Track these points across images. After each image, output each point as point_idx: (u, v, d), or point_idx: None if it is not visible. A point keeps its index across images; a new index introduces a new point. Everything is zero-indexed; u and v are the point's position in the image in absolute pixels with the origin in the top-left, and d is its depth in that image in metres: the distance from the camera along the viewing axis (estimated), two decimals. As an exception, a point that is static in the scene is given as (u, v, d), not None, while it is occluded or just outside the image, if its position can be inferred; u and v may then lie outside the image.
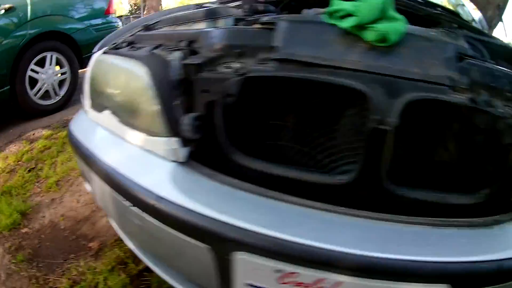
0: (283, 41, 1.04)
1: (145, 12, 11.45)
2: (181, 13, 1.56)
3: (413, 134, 1.06)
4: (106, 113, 1.23)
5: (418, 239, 0.88)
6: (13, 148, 2.86)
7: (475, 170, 1.04)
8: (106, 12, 4.31)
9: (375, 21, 1.00)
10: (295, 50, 1.02)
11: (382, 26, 0.99)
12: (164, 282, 1.30)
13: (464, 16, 2.27)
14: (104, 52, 1.30)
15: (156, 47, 1.13)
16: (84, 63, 3.60)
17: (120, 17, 9.92)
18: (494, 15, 2.12)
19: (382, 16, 1.03)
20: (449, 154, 1.10)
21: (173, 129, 1.04)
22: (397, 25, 1.02)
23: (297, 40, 1.05)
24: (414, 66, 0.96)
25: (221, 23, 1.35)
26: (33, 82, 3.35)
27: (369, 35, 1.00)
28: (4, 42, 3.04)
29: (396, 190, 0.97)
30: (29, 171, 2.52)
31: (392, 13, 1.05)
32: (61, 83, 3.65)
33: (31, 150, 2.78)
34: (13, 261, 1.73)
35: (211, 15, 1.39)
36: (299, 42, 1.04)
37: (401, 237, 0.88)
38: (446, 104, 0.93)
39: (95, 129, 1.29)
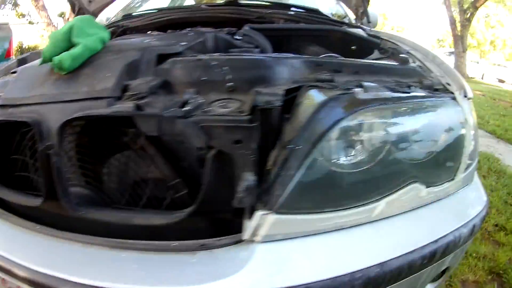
0: (9, 87, 1.07)
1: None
2: None
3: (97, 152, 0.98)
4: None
5: (92, 260, 0.81)
6: None
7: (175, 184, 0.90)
8: (6, 55, 4.45)
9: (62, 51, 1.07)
10: (11, 95, 1.03)
11: (57, 57, 1.01)
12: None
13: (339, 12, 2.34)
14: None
15: None
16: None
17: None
18: (359, 3, 2.05)
19: (68, 45, 1.13)
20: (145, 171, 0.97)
21: None
22: (73, 51, 1.04)
23: (18, 85, 1.07)
24: (85, 85, 0.95)
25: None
26: None
27: (54, 67, 1.02)
28: None
29: (77, 210, 0.88)
30: None
31: (77, 39, 1.08)
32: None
33: None
34: None
35: None
36: (19, 86, 1.06)
37: (75, 257, 0.83)
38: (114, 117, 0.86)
39: None
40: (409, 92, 1.01)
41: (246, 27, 1.44)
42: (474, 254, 2.33)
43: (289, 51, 1.28)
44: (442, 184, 1.04)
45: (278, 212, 0.77)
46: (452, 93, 1.11)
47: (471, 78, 18.96)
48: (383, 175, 0.90)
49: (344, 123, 0.81)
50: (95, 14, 2.04)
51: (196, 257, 0.77)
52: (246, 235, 0.77)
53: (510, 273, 2.19)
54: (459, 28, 18.00)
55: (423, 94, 1.05)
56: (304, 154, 0.79)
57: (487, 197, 1.25)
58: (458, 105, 1.06)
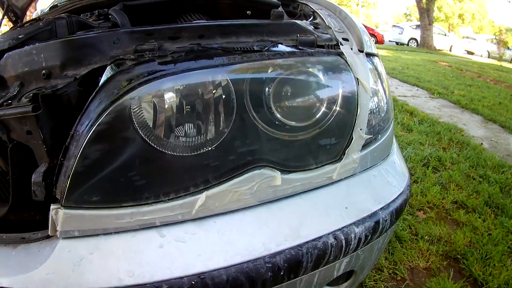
0: None
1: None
2: None
3: None
4: None
5: None
6: None
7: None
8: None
9: None
10: None
11: None
12: None
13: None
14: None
15: None
16: None
17: None
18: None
19: None
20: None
21: None
22: None
23: None
24: None
25: None
26: None
27: None
28: None
29: None
30: None
31: None
32: None
33: None
34: None
35: None
36: None
37: None
38: None
39: None
40: (262, 51, 0.79)
41: (116, 6, 1.28)
42: (426, 237, 2.05)
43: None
44: (317, 168, 0.83)
45: (66, 206, 0.68)
46: (338, 49, 0.88)
47: (439, 50, 19.16)
48: (201, 159, 0.72)
49: (129, 99, 0.67)
50: (23, 9, 1.99)
51: (16, 250, 0.72)
52: (49, 230, 0.70)
53: (470, 258, 1.90)
54: (424, 0, 18.01)
55: (284, 51, 0.80)
56: (83, 140, 0.66)
57: (408, 180, 1.02)
58: (346, 64, 0.85)
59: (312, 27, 0.98)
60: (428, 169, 2.90)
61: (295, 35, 0.90)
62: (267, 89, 0.75)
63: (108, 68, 0.76)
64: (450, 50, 21.19)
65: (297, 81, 0.79)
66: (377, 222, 0.85)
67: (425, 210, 2.35)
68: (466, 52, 21.99)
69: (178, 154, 0.69)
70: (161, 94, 0.67)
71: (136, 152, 0.67)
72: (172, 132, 0.69)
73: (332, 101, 0.82)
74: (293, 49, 0.82)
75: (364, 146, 0.89)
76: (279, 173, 0.77)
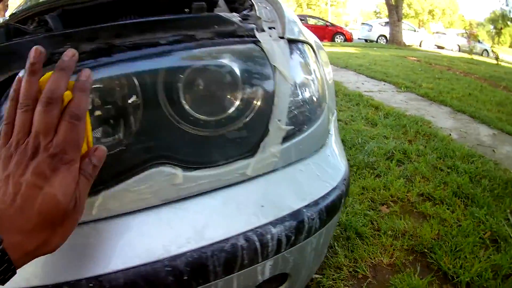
0: None
1: None
2: None
3: None
4: None
5: None
6: None
7: None
8: None
9: None
10: None
11: None
12: None
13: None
14: None
15: None
16: None
17: None
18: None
19: None
20: None
21: None
22: None
23: None
24: None
25: None
26: None
27: None
28: None
29: None
30: None
31: None
32: None
33: None
34: None
35: None
36: None
37: None
38: None
39: None
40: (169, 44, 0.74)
41: (54, 12, 1.25)
42: (389, 232, 1.98)
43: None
44: (226, 164, 0.75)
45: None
46: (254, 37, 0.80)
47: (409, 45, 19.42)
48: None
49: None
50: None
51: None
52: None
53: (438, 251, 1.83)
54: (393, -2, 18.32)
55: (192, 44, 0.75)
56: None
57: (344, 174, 0.94)
58: (261, 51, 0.78)
59: (240, 18, 0.91)
60: (392, 163, 2.85)
61: (214, 27, 0.83)
62: (174, 83, 0.69)
63: (20, 73, 0.68)
64: (420, 46, 21.50)
65: (207, 73, 0.73)
66: (301, 222, 0.77)
67: (388, 204, 2.28)
68: (436, 47, 22.32)
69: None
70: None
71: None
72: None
73: (245, 91, 0.75)
74: (204, 41, 0.76)
75: (287, 139, 0.81)
76: (180, 170, 0.70)
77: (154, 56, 0.71)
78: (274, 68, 0.78)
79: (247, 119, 0.76)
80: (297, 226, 0.77)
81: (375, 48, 14.78)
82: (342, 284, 1.63)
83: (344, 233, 1.96)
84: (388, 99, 5.26)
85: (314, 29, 19.23)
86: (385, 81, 6.60)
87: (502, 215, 2.26)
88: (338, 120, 3.50)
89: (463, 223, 2.12)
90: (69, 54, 0.51)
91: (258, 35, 0.80)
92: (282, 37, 0.84)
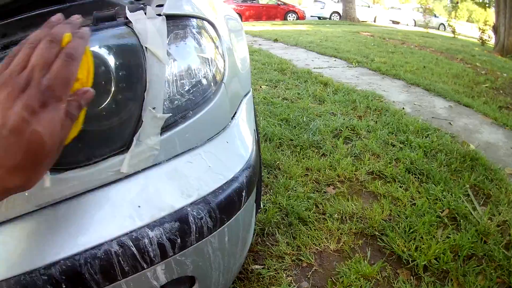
0: None
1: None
2: None
3: None
4: None
5: None
6: None
7: None
8: None
9: None
10: None
11: None
12: None
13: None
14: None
15: None
16: None
17: None
18: None
19: None
20: None
21: None
22: None
23: None
24: None
25: None
26: None
27: None
28: None
29: None
30: None
31: None
32: None
33: None
34: None
35: None
36: None
37: None
38: None
39: None
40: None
41: None
42: (336, 215, 1.90)
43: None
44: (98, 162, 0.67)
45: None
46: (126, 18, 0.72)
47: (363, 21, 19.61)
48: None
49: None
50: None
51: None
52: None
53: (390, 233, 1.75)
54: (345, -27, 18.40)
55: None
56: None
57: (247, 163, 0.86)
58: (132, 33, 0.70)
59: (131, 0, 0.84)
60: (339, 140, 2.76)
61: (93, 12, 0.76)
62: None
63: None
64: (375, 21, 21.75)
65: None
66: (185, 222, 0.68)
67: (335, 185, 2.20)
68: (391, 22, 22.59)
69: None
70: None
71: None
72: None
73: (112, 80, 0.66)
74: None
75: (167, 128, 0.72)
76: (48, 173, 0.63)
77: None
78: (145, 49, 0.69)
79: (115, 109, 0.66)
80: (181, 228, 0.68)
81: (327, 25, 14.78)
82: (284, 275, 1.54)
83: (286, 219, 1.87)
84: (338, 75, 5.22)
85: (265, 8, 19.15)
86: (336, 57, 6.57)
87: (461, 191, 2.20)
88: (283, 99, 3.43)
89: (417, 201, 2.05)
90: (76, 16, 0.58)
91: (130, 15, 0.71)
92: (160, 14, 0.74)
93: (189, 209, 0.70)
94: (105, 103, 0.66)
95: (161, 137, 0.72)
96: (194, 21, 0.86)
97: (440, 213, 1.95)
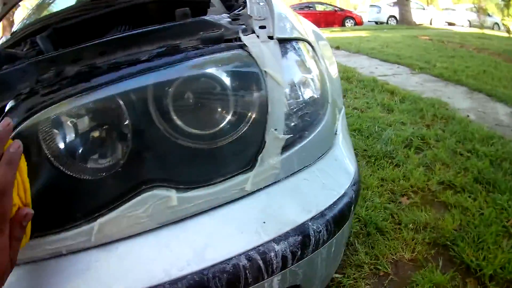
0: None
1: None
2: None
3: None
4: None
5: None
6: None
7: None
8: None
9: None
10: None
11: None
12: None
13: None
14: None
15: None
16: None
17: None
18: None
19: None
20: None
21: None
22: None
23: None
24: None
25: None
26: None
27: None
28: None
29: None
30: None
31: None
32: None
33: None
34: None
35: None
36: None
37: None
38: None
39: None
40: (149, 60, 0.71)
41: (45, 32, 1.23)
42: (410, 225, 1.90)
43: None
44: (223, 181, 0.71)
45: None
46: (241, 41, 0.75)
47: (419, 24, 19.08)
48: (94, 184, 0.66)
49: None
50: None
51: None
52: None
53: (461, 243, 1.74)
54: (400, -22, 18.05)
55: (171, 59, 0.71)
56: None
57: (353, 179, 0.89)
58: (249, 56, 0.73)
59: (229, 19, 0.87)
60: (410, 150, 2.75)
61: (199, 33, 0.79)
62: (163, 100, 0.67)
63: (8, 104, 0.69)
64: (431, 24, 21.13)
65: (194, 85, 0.70)
66: (307, 236, 0.72)
67: (408, 195, 2.20)
68: (446, 23, 21.88)
69: (84, 177, 0.65)
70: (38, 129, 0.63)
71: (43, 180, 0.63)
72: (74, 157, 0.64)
73: (235, 101, 0.70)
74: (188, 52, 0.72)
75: (287, 147, 0.76)
76: (174, 192, 0.67)
77: (135, 74, 0.68)
78: (264, 73, 0.73)
79: (241, 131, 0.71)
80: (303, 241, 0.72)
81: (385, 30, 14.56)
82: (363, 283, 1.57)
83: (364, 229, 1.89)
84: (403, 82, 5.14)
85: (323, 15, 19.02)
86: (399, 64, 6.46)
87: None
88: (354, 108, 3.44)
89: (485, 211, 2.01)
90: (7, 121, 0.53)
91: (244, 38, 0.75)
92: (271, 37, 0.78)
93: (310, 223, 0.74)
94: (234, 124, 0.70)
95: (282, 156, 0.76)
96: (297, 43, 0.90)
97: (505, 223, 1.92)
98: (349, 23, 19.21)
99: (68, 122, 0.64)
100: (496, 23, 19.88)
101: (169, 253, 0.66)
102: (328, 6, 20.45)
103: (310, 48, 0.97)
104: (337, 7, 20.28)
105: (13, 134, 0.60)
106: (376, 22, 20.86)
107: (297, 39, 0.89)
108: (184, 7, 1.18)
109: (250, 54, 0.73)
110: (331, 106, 0.92)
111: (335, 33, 13.28)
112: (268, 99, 0.72)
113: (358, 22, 19.26)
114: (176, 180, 0.68)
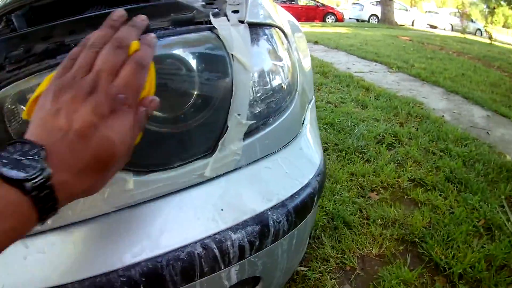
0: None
1: None
2: None
3: None
4: None
5: None
6: None
7: None
8: None
9: None
10: None
11: None
12: None
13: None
14: None
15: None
16: None
17: None
18: None
19: None
20: None
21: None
22: None
23: None
24: None
25: None
26: None
27: None
28: None
29: None
30: None
31: None
32: None
33: None
34: None
35: None
36: None
37: None
38: None
39: None
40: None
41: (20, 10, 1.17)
42: (379, 221, 1.91)
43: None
44: (182, 165, 0.69)
45: None
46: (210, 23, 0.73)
47: (401, 25, 19.30)
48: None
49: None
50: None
51: None
52: None
53: (430, 241, 1.76)
54: (384, -24, 18.19)
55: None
56: None
57: (318, 169, 0.88)
58: (217, 39, 0.71)
59: (203, 3, 0.85)
60: (382, 147, 2.77)
61: (171, 15, 0.78)
62: None
63: None
64: (412, 25, 21.39)
65: (159, 65, 0.66)
66: (266, 226, 0.70)
67: (378, 190, 2.22)
68: (429, 26, 22.19)
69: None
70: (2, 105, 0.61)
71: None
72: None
73: (199, 83, 0.68)
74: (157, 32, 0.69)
75: (250, 134, 0.75)
76: (131, 175, 0.65)
77: None
78: (232, 56, 0.70)
79: (203, 114, 0.69)
80: (261, 231, 0.71)
81: (366, 28, 14.66)
82: (328, 277, 1.57)
83: (332, 223, 1.89)
84: (380, 80, 5.18)
85: (305, 9, 19.02)
86: (377, 62, 6.51)
87: (496, 201, 2.19)
88: (327, 102, 3.44)
89: (456, 210, 2.05)
90: (141, 17, 0.55)
91: (214, 20, 0.72)
92: (242, 22, 0.76)
93: (269, 213, 0.72)
94: (197, 106, 0.68)
95: (244, 142, 0.74)
96: (269, 29, 0.88)
97: (476, 223, 1.96)
98: (330, 19, 19.26)
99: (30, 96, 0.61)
100: (479, 29, 20.25)
101: (124, 239, 0.64)
102: (310, 1, 20.46)
103: (282, 36, 0.95)
104: (319, 2, 20.27)
105: None
106: (358, 20, 21.01)
107: (269, 25, 0.87)
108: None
109: (218, 37, 0.70)
110: (299, 95, 0.90)
111: (315, 28, 13.30)
112: (234, 83, 0.70)
113: (339, 19, 19.36)
114: (133, 162, 0.65)
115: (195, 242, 0.65)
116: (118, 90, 0.45)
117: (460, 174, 2.42)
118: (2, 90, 0.60)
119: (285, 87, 0.86)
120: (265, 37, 0.85)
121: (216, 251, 0.66)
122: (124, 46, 0.48)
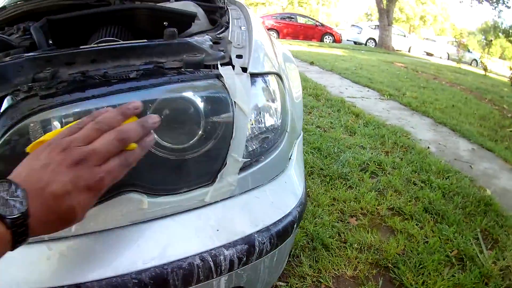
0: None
1: None
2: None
3: None
4: None
5: None
6: None
7: None
8: None
9: None
10: None
11: None
12: None
13: None
14: None
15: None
16: None
17: None
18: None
19: None
20: None
21: None
22: None
23: None
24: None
25: None
26: None
27: None
28: None
29: None
30: None
31: None
32: None
33: None
34: None
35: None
36: None
37: None
38: None
39: None
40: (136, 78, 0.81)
41: (38, 23, 1.27)
42: (355, 245, 2.05)
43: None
44: (187, 191, 0.85)
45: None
46: (215, 70, 0.88)
47: (397, 50, 19.54)
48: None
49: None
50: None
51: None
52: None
53: (402, 267, 1.90)
54: (385, 1, 18.42)
55: (158, 80, 0.82)
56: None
57: (299, 201, 1.02)
58: (223, 87, 0.85)
59: (210, 43, 0.98)
60: (365, 174, 2.91)
61: (183, 55, 0.91)
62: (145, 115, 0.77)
63: (6, 99, 0.76)
64: (409, 51, 21.68)
65: (173, 105, 0.80)
66: (252, 245, 0.85)
67: (357, 216, 2.36)
68: (425, 53, 22.52)
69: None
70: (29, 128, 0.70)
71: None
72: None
73: (206, 125, 0.82)
74: (171, 76, 0.83)
75: (244, 168, 0.89)
76: (146, 197, 0.79)
77: (124, 91, 0.78)
78: (234, 103, 0.85)
79: (206, 150, 0.83)
80: (248, 249, 0.85)
81: (362, 51, 14.86)
82: (304, 293, 1.71)
83: (311, 243, 2.03)
84: (370, 106, 5.33)
85: (303, 28, 19.24)
86: (369, 87, 6.66)
87: (471, 234, 2.31)
88: (317, 126, 3.60)
89: (430, 240, 2.17)
90: (154, 119, 0.65)
91: (222, 69, 0.87)
92: (246, 69, 0.90)
93: (256, 235, 0.87)
94: (202, 143, 0.82)
95: (239, 176, 0.89)
96: (267, 76, 1.04)
97: (449, 253, 2.07)
98: (328, 40, 19.48)
99: (56, 124, 0.72)
100: (475, 59, 20.59)
101: (137, 248, 0.78)
102: (310, 19, 20.71)
103: (279, 81, 1.10)
104: (318, 21, 20.55)
105: (12, 130, 0.68)
106: (355, 42, 21.28)
107: (268, 73, 1.02)
108: (173, 18, 1.31)
109: (224, 85, 0.85)
110: (288, 134, 1.06)
111: (312, 47, 13.49)
112: (234, 126, 0.85)
113: (336, 40, 19.57)
114: (148, 187, 0.79)
115: (195, 255, 0.79)
116: (100, 174, 0.53)
117: (439, 206, 2.54)
118: (35, 116, 0.70)
119: (277, 127, 1.02)
120: (263, 81, 1.00)
121: (211, 263, 0.80)
122: (125, 142, 0.57)
